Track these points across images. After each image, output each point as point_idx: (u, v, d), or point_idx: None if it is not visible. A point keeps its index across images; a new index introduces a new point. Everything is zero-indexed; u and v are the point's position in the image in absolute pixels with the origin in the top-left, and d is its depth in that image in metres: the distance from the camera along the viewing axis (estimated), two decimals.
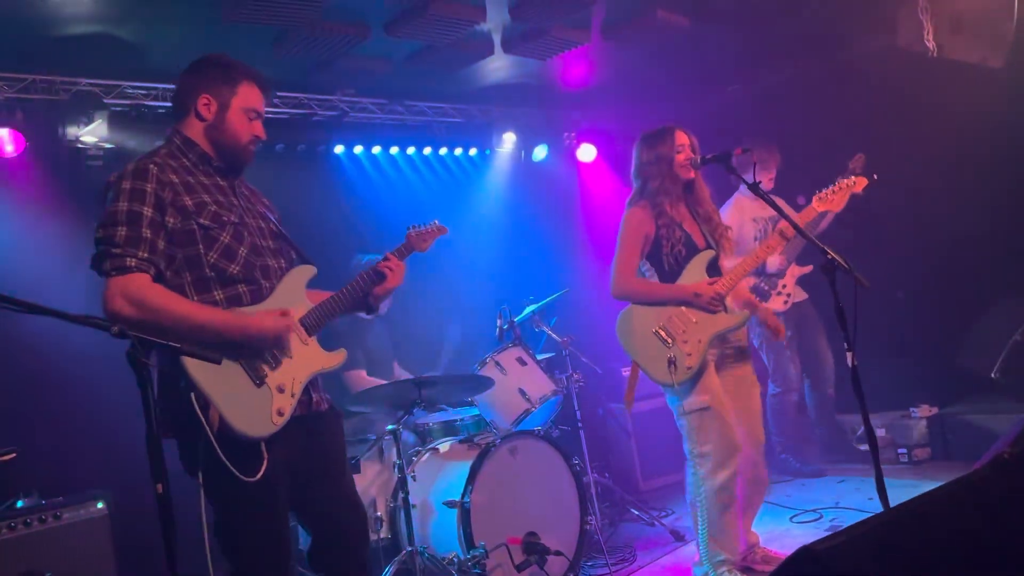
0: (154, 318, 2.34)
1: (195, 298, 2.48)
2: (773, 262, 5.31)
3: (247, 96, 2.65)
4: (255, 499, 2.43)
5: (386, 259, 2.86)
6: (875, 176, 3.80)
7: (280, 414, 2.48)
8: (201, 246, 2.48)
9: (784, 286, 5.43)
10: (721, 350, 3.76)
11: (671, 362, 3.54)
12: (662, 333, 3.61)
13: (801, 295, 5.54)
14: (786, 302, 5.43)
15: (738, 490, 3.63)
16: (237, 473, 2.34)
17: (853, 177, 3.79)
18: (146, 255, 2.40)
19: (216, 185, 2.62)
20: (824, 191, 3.79)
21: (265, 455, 2.42)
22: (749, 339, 5.42)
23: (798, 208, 5.51)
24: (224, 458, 2.32)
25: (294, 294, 2.66)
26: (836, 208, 3.79)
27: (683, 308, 3.63)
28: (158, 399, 2.31)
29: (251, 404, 2.45)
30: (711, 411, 3.57)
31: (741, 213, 5.48)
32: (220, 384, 2.40)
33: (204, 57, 2.70)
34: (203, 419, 2.31)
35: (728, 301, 3.67)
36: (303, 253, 2.80)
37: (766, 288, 5.43)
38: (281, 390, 2.52)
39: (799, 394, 5.67)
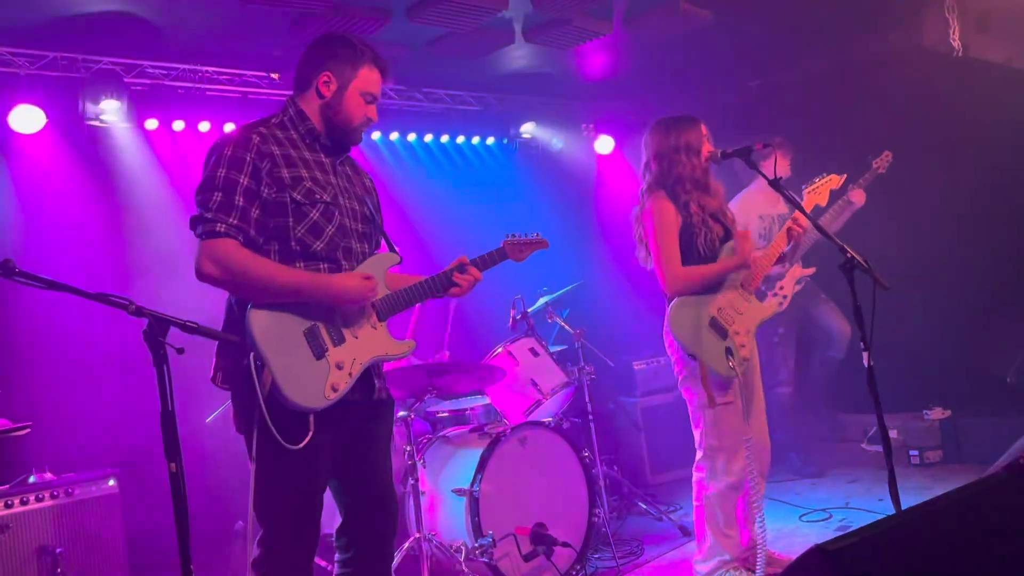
0: (237, 280, 2.44)
1: None
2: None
3: (367, 79, 2.68)
4: (295, 468, 2.47)
5: (471, 264, 2.88)
6: (844, 175, 3.95)
7: (334, 390, 2.50)
8: (291, 219, 2.53)
9: (781, 287, 5.40)
10: None
11: (728, 352, 3.53)
12: (717, 324, 3.58)
13: (805, 273, 5.49)
14: (781, 304, 5.40)
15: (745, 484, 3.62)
16: (280, 439, 2.38)
17: (832, 175, 3.87)
18: (236, 222, 2.46)
19: (318, 162, 2.65)
20: (812, 185, 3.86)
21: (311, 427, 2.45)
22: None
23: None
24: (270, 421, 2.36)
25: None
26: (821, 202, 3.85)
27: (731, 298, 3.64)
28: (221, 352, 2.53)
29: (306, 375, 2.47)
30: (732, 406, 3.56)
31: (747, 209, 5.42)
32: (279, 350, 2.44)
33: (332, 34, 2.74)
34: (256, 380, 2.36)
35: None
36: (391, 242, 2.85)
37: (764, 290, 5.40)
38: (340, 367, 2.53)
39: (791, 387, 5.59)
